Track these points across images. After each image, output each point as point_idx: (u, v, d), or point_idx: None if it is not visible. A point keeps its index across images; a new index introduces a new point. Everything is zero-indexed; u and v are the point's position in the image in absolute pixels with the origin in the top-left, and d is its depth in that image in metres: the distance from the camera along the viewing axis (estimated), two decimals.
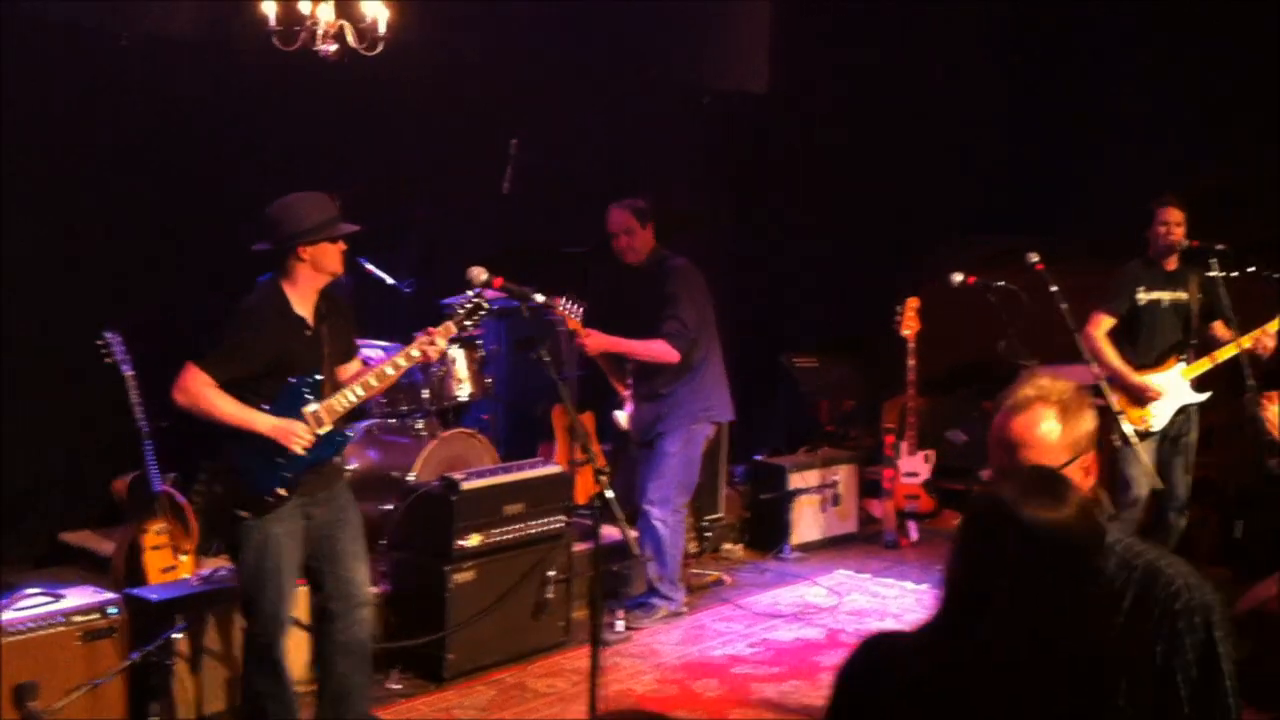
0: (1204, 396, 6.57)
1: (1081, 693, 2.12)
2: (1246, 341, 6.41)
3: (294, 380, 4.50)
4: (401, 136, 7.64)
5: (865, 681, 2.28)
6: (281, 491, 4.45)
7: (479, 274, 4.50)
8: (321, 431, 4.51)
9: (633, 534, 4.25)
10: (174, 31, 6.72)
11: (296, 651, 4.98)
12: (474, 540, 5.78)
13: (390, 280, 6.61)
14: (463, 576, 5.72)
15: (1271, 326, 6.42)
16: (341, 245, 4.60)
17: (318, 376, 4.56)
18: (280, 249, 4.51)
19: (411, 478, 6.14)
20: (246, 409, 4.41)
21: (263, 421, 4.40)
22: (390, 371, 4.66)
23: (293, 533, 4.52)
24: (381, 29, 6.41)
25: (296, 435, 4.42)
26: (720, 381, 6.68)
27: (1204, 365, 6.54)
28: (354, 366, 4.85)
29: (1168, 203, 6.60)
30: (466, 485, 5.78)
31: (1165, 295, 6.64)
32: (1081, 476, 2.54)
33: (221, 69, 6.88)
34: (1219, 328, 6.63)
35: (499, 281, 4.48)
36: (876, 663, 2.29)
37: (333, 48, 6.37)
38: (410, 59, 7.02)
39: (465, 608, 5.71)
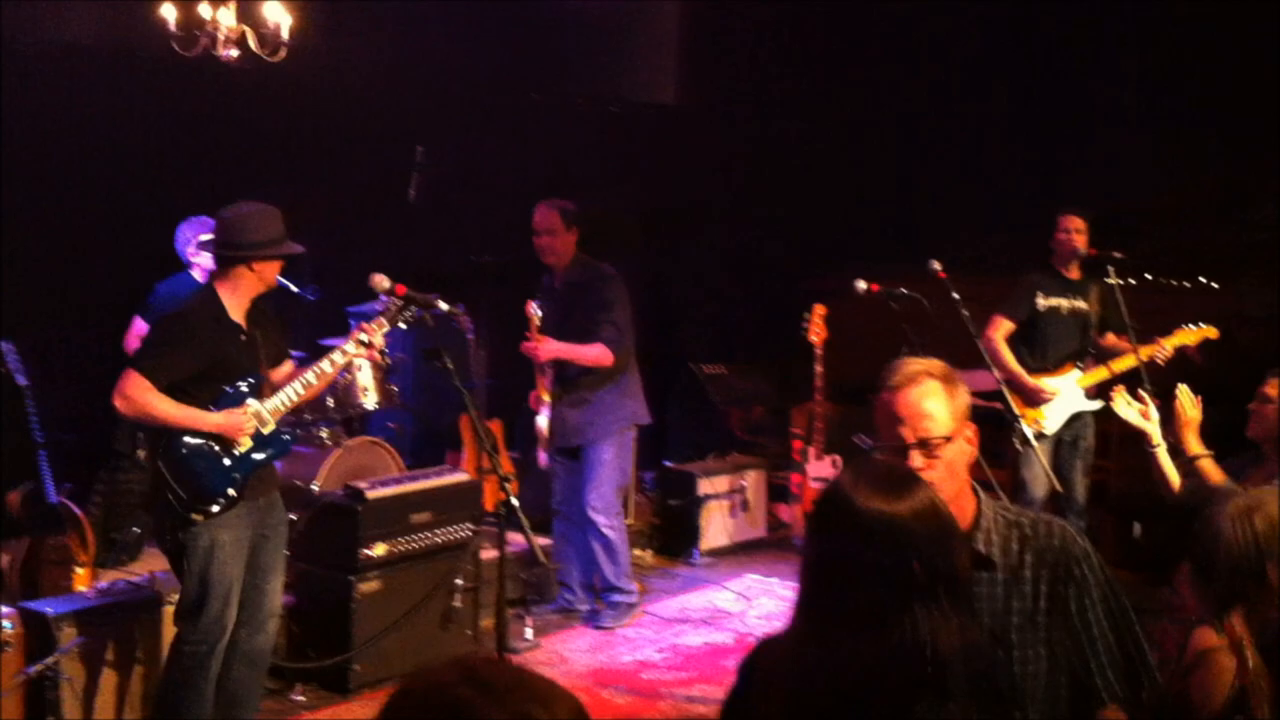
0: (1097, 405, 6.68)
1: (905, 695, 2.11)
2: (1144, 354, 6.55)
3: (234, 383, 4.54)
4: (305, 143, 7.56)
5: (751, 680, 2.31)
6: (231, 493, 4.48)
7: (381, 281, 4.51)
8: (265, 430, 4.56)
9: (539, 542, 4.23)
10: (70, 36, 6.60)
11: None
12: (380, 550, 5.72)
13: (294, 288, 6.52)
14: (368, 587, 5.67)
15: (1169, 341, 6.56)
16: (283, 261, 4.69)
17: (253, 377, 4.60)
18: (231, 258, 4.55)
19: (315, 487, 6.07)
20: (190, 409, 4.44)
21: (209, 419, 4.46)
22: (329, 368, 4.72)
23: (239, 541, 4.56)
24: (285, 35, 6.36)
25: (243, 427, 4.47)
26: (639, 386, 6.74)
27: (1100, 374, 6.68)
28: (286, 368, 4.88)
29: (1070, 211, 6.75)
30: (372, 494, 5.73)
31: (1065, 303, 6.78)
32: (967, 447, 2.64)
33: (119, 74, 6.76)
34: (1112, 338, 6.81)
35: (402, 289, 4.48)
36: (762, 661, 2.32)
37: (234, 53, 6.30)
38: (314, 65, 6.96)
39: (371, 618, 5.65)
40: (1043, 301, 6.76)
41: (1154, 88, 8.40)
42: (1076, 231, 6.71)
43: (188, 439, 4.45)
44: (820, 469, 8.24)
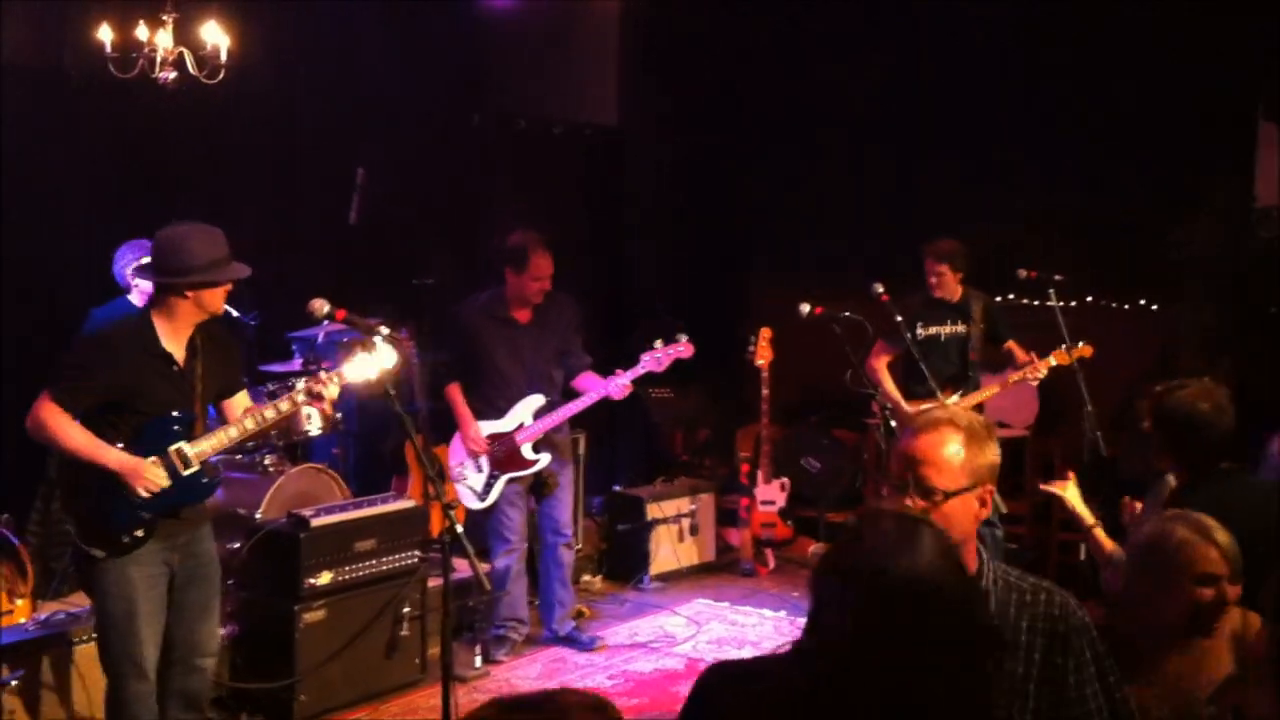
0: None
1: None
2: (1017, 377, 6.77)
3: (159, 418, 4.29)
4: (244, 166, 7.46)
5: (711, 703, 2.26)
6: (138, 533, 4.25)
7: (320, 306, 4.38)
8: (186, 473, 4.30)
9: (483, 568, 4.18)
10: (3, 58, 6.48)
11: None
12: (324, 578, 5.64)
13: (235, 313, 6.43)
14: (313, 616, 5.58)
15: (1043, 364, 6.72)
16: (228, 286, 4.44)
17: (183, 414, 4.34)
18: (165, 285, 4.32)
19: (258, 515, 5.96)
20: (96, 442, 4.20)
21: (111, 457, 4.19)
22: (270, 415, 4.45)
23: (153, 578, 4.32)
24: (223, 56, 6.30)
25: (144, 477, 4.20)
26: None
27: (974, 399, 6.85)
28: (241, 401, 4.64)
29: (933, 255, 7.00)
30: (316, 522, 5.64)
31: (944, 329, 7.02)
32: (977, 507, 2.60)
33: (55, 96, 6.65)
34: (1013, 346, 7.00)
35: (342, 314, 4.37)
36: (724, 684, 2.27)
37: (172, 75, 6.22)
38: (253, 87, 6.89)
39: (316, 647, 5.56)
40: (921, 331, 6.95)
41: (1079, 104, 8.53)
42: (942, 274, 6.95)
43: (93, 470, 4.19)
44: (768, 492, 8.26)
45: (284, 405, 4.46)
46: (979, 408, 6.83)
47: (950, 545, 2.10)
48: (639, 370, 6.36)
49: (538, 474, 6.47)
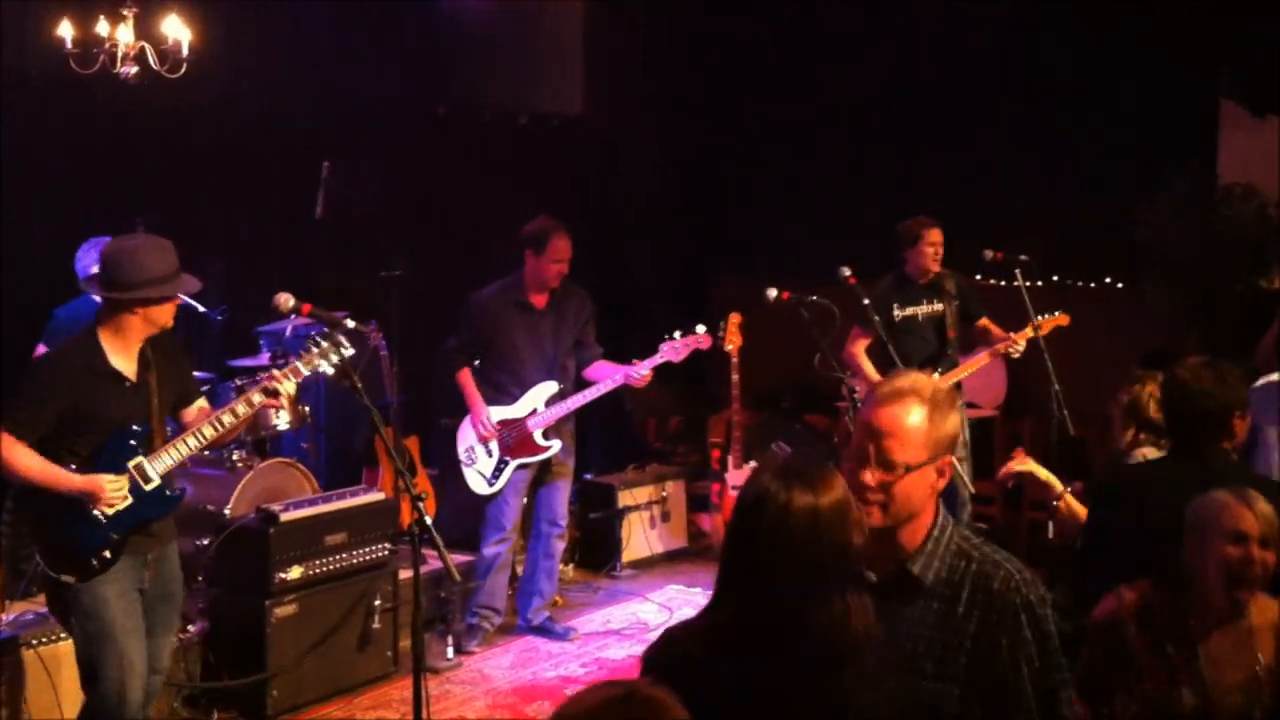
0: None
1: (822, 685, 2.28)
2: (987, 357, 6.80)
3: (116, 433, 4.24)
4: (209, 160, 7.43)
5: (662, 667, 2.40)
6: (106, 554, 4.21)
7: (285, 300, 4.37)
8: (147, 488, 4.25)
9: (453, 560, 4.17)
10: None
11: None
12: (295, 573, 5.64)
13: (200, 308, 6.41)
14: (284, 610, 5.58)
15: (1020, 336, 6.73)
16: (178, 300, 4.38)
17: (140, 428, 4.29)
18: (111, 300, 4.25)
19: (227, 511, 5.95)
20: (52, 468, 4.13)
21: (68, 480, 4.13)
22: (228, 420, 4.38)
23: (127, 594, 4.28)
24: (184, 51, 6.25)
25: (104, 495, 4.14)
26: None
27: (956, 375, 6.87)
28: (199, 406, 4.59)
29: (932, 224, 6.94)
30: (285, 516, 5.64)
31: (921, 309, 6.98)
32: (935, 478, 2.57)
33: (14, 93, 6.59)
34: (988, 323, 7.00)
35: (307, 308, 4.36)
36: (671, 649, 2.45)
37: (133, 70, 6.18)
38: (216, 81, 6.85)
39: (288, 642, 5.56)
40: (898, 312, 6.94)
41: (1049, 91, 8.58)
42: (938, 245, 6.92)
43: (54, 498, 4.14)
44: (739, 478, 8.25)
45: (240, 409, 4.39)
46: (958, 385, 6.86)
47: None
48: (658, 359, 6.43)
49: (546, 461, 6.49)
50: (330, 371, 4.41)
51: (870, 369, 6.86)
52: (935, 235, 6.89)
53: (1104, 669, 3.33)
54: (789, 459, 2.51)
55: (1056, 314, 6.78)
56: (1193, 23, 7.83)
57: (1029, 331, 6.68)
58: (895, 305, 6.91)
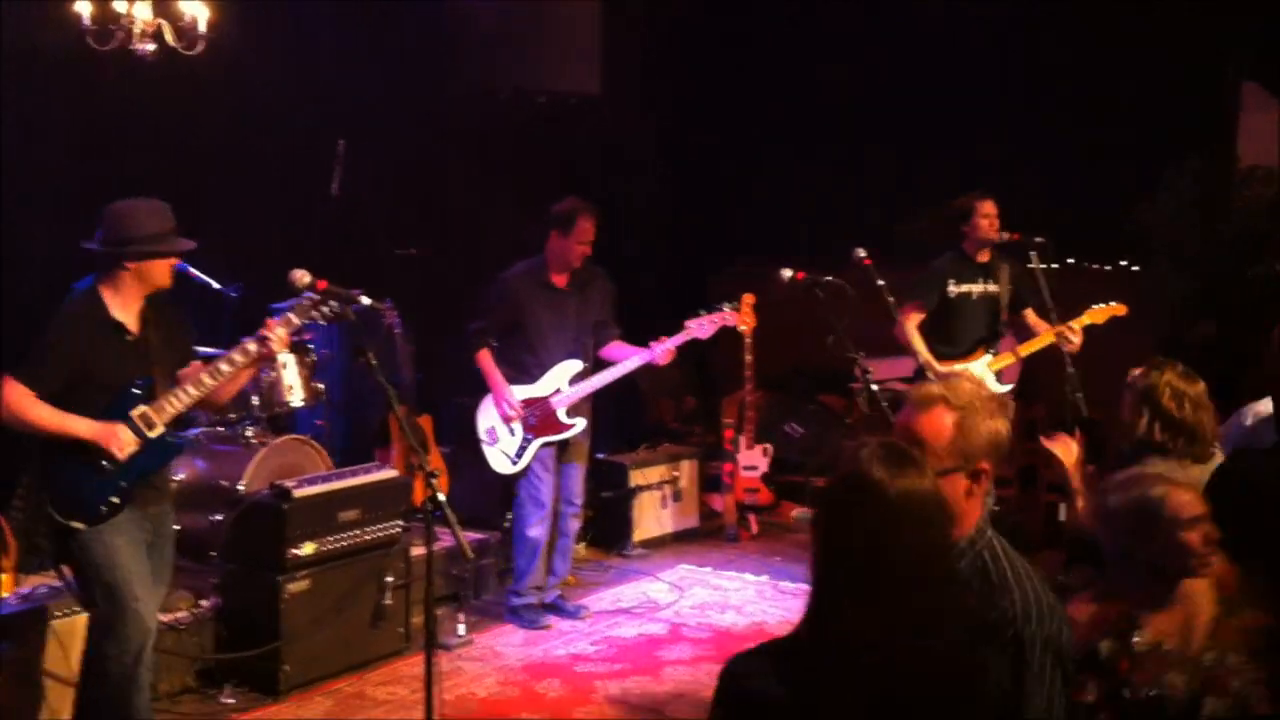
0: (1007, 388, 6.80)
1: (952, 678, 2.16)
2: (1050, 336, 6.62)
3: (122, 386, 4.35)
4: (226, 138, 7.44)
5: (739, 703, 2.21)
6: (115, 500, 4.32)
7: (301, 277, 4.41)
8: (151, 434, 4.36)
9: (466, 537, 4.20)
10: None
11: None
12: (308, 549, 5.67)
13: (215, 285, 6.44)
14: (297, 586, 5.60)
15: (1077, 323, 6.62)
16: (172, 260, 4.47)
17: (143, 380, 4.40)
18: (106, 255, 4.37)
19: (241, 487, 5.99)
20: (64, 415, 4.26)
21: (82, 426, 4.26)
22: (225, 368, 4.46)
23: (135, 543, 4.39)
24: (202, 28, 6.26)
25: (118, 437, 4.27)
26: None
27: (1008, 359, 6.78)
28: (195, 365, 4.67)
29: (985, 195, 6.80)
30: (299, 493, 5.66)
31: (976, 288, 6.86)
32: (967, 484, 2.55)
33: (33, 71, 6.61)
34: (1031, 316, 6.85)
35: (323, 284, 4.40)
36: (745, 680, 2.22)
37: (151, 47, 6.19)
38: (233, 58, 6.85)
39: (300, 618, 5.59)
40: (954, 288, 6.82)
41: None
42: (993, 216, 6.77)
43: (66, 445, 4.26)
44: (751, 458, 8.30)
45: (237, 357, 4.48)
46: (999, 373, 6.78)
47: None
48: (683, 337, 6.42)
49: (565, 440, 6.50)
50: (322, 323, 4.54)
51: (921, 345, 6.70)
52: (989, 207, 6.75)
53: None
54: (875, 445, 2.30)
55: (1112, 304, 6.68)
56: (1210, 3, 7.79)
57: (1085, 319, 6.61)
58: (951, 281, 6.80)
